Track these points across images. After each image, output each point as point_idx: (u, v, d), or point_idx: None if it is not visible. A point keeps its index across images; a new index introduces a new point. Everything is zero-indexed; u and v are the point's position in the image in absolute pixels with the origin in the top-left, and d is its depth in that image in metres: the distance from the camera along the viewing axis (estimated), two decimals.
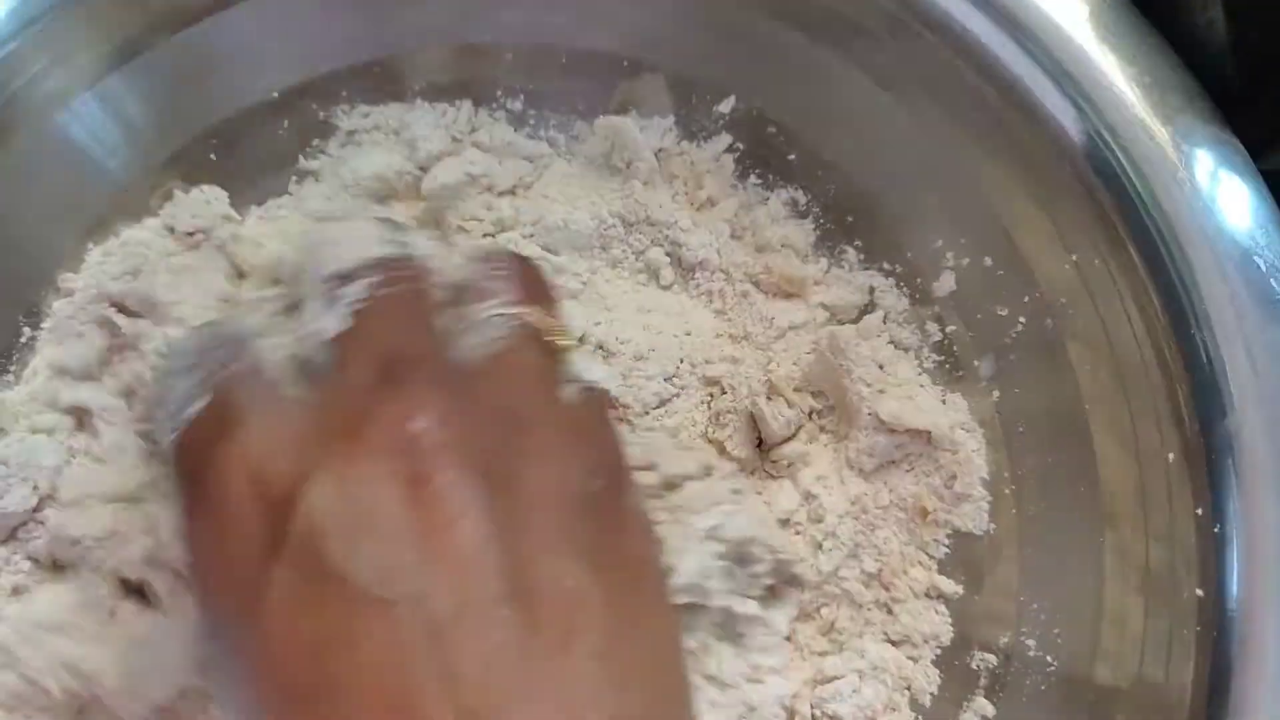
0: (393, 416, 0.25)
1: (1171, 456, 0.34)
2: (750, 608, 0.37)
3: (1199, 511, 0.34)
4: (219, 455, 0.26)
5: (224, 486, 0.26)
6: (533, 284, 0.32)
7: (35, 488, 0.38)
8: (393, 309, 0.28)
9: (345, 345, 0.27)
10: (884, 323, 0.43)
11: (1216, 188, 0.34)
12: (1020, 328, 0.40)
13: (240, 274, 0.41)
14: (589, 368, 0.31)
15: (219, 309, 0.39)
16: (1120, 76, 0.35)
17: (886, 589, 0.40)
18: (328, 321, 0.27)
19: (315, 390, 0.27)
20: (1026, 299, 0.39)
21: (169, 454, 0.28)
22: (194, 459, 0.27)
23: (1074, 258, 0.37)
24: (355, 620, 0.23)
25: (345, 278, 0.28)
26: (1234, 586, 0.33)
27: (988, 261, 0.40)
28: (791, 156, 0.44)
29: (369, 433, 0.25)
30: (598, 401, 0.30)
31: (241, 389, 0.28)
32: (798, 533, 0.40)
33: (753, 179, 0.45)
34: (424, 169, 0.43)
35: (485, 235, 0.43)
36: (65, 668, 0.35)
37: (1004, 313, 0.40)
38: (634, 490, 0.30)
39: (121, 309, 0.40)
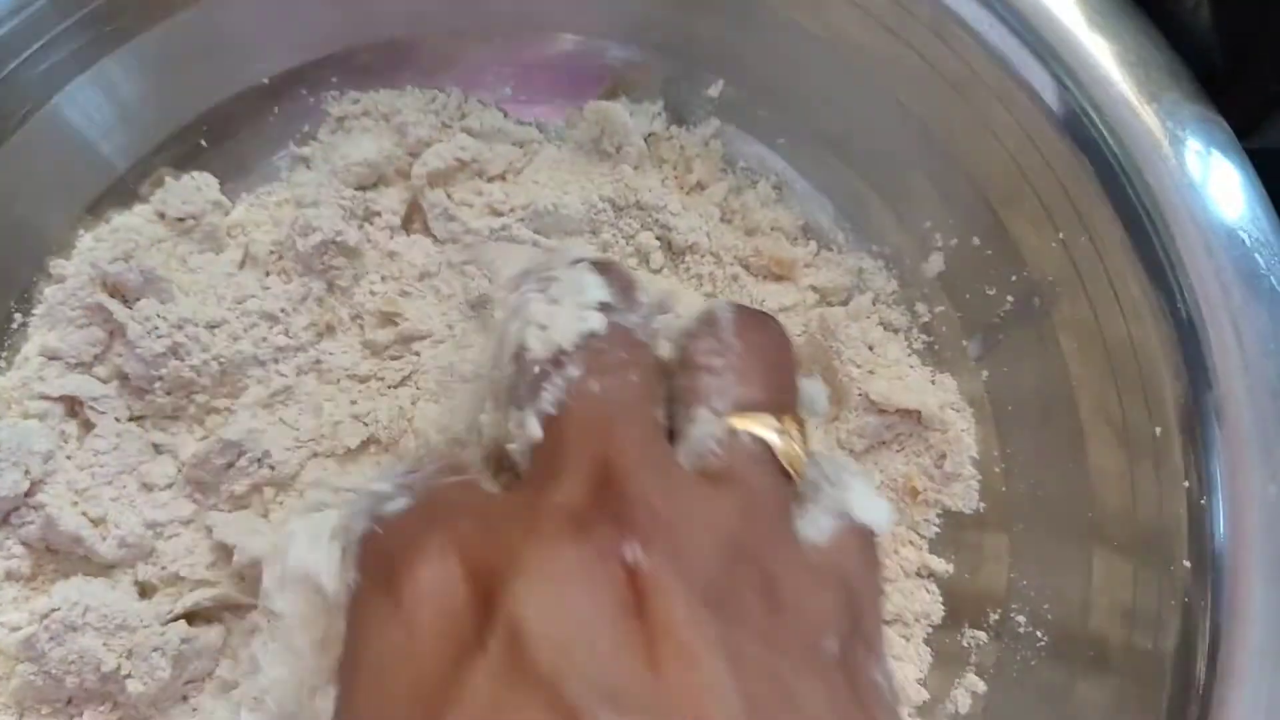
0: (606, 536, 0.22)
1: (1159, 430, 0.35)
2: None
3: (1186, 484, 0.34)
4: (413, 547, 0.24)
5: (417, 579, 0.23)
6: (770, 371, 0.28)
7: (27, 472, 0.38)
8: (604, 405, 0.25)
9: (550, 445, 0.25)
10: (873, 304, 0.43)
11: (1202, 165, 0.35)
12: (1008, 307, 0.40)
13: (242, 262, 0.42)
14: (867, 504, 0.27)
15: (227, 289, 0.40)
16: (1107, 55, 0.36)
17: None
18: (530, 426, 0.25)
19: (522, 488, 0.25)
20: (1014, 278, 0.39)
21: (356, 551, 0.26)
22: (384, 553, 0.25)
23: (1061, 236, 0.37)
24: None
25: (553, 362, 0.25)
26: (1221, 557, 0.33)
27: (975, 241, 0.41)
28: (781, 140, 0.44)
29: (582, 546, 0.22)
30: (859, 542, 0.26)
31: (443, 488, 0.26)
32: None
33: (742, 163, 0.45)
34: (414, 155, 0.44)
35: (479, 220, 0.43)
36: (89, 667, 0.35)
37: (992, 292, 0.40)
38: (881, 655, 0.26)
39: (114, 293, 0.40)
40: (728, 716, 0.21)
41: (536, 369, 0.26)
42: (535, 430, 0.25)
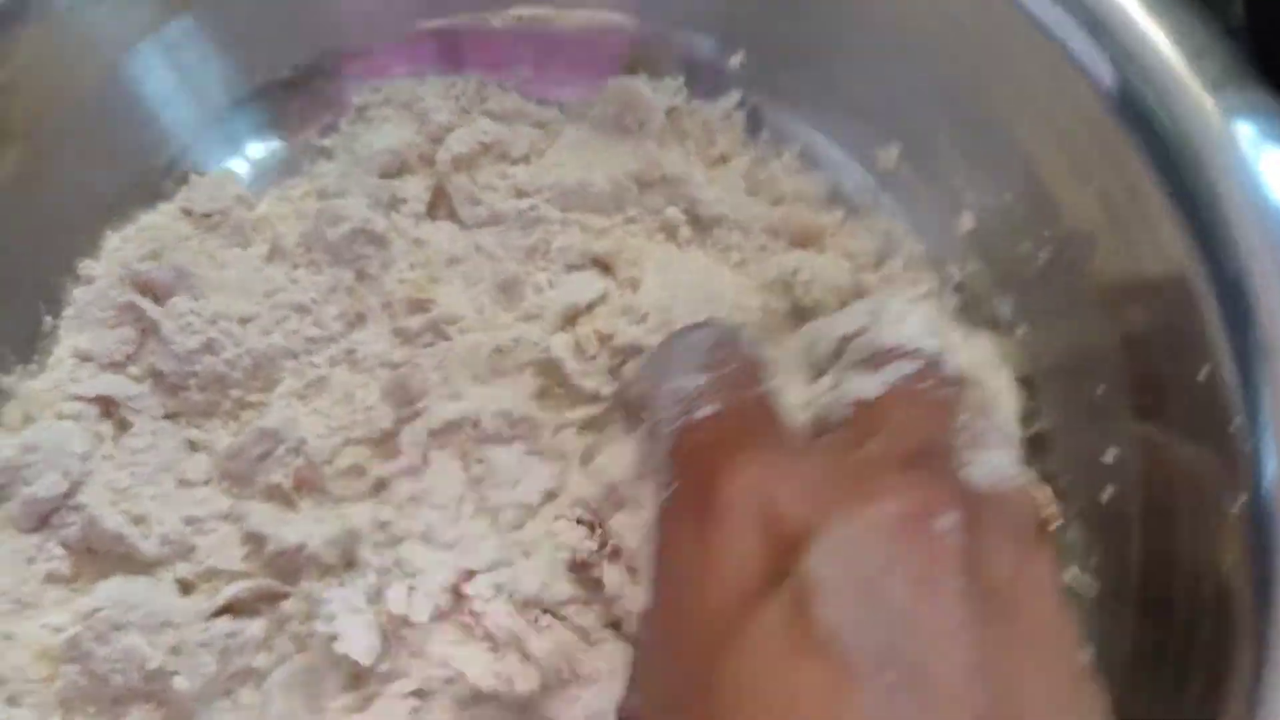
0: (919, 503, 0.24)
1: (1202, 374, 0.34)
2: None
3: (1233, 429, 0.33)
4: (731, 468, 0.26)
5: (732, 503, 0.25)
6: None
7: (65, 473, 0.38)
8: (926, 402, 0.27)
9: (875, 414, 0.27)
10: (904, 267, 0.42)
11: (1260, 153, 0.34)
12: (1043, 262, 0.40)
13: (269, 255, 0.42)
14: None
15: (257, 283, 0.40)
16: (1164, 42, 0.35)
17: None
18: (866, 386, 0.27)
19: (831, 447, 0.27)
20: (1048, 233, 0.39)
21: (666, 441, 0.28)
22: (701, 461, 0.27)
23: (1098, 186, 0.37)
24: (833, 689, 0.22)
25: (895, 355, 0.28)
26: (1271, 501, 0.32)
27: (1008, 197, 0.40)
28: (803, 107, 0.44)
29: (891, 509, 0.24)
30: None
31: (756, 414, 0.28)
32: None
33: (765, 133, 0.45)
34: (436, 141, 0.44)
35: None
36: (134, 665, 0.35)
37: (1026, 248, 0.40)
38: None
39: (145, 292, 0.40)
40: (987, 701, 0.22)
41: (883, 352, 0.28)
42: (872, 391, 0.27)
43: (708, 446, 0.27)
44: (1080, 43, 0.36)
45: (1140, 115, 0.35)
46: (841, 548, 0.23)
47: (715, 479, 0.26)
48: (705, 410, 0.28)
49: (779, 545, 0.24)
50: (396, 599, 0.35)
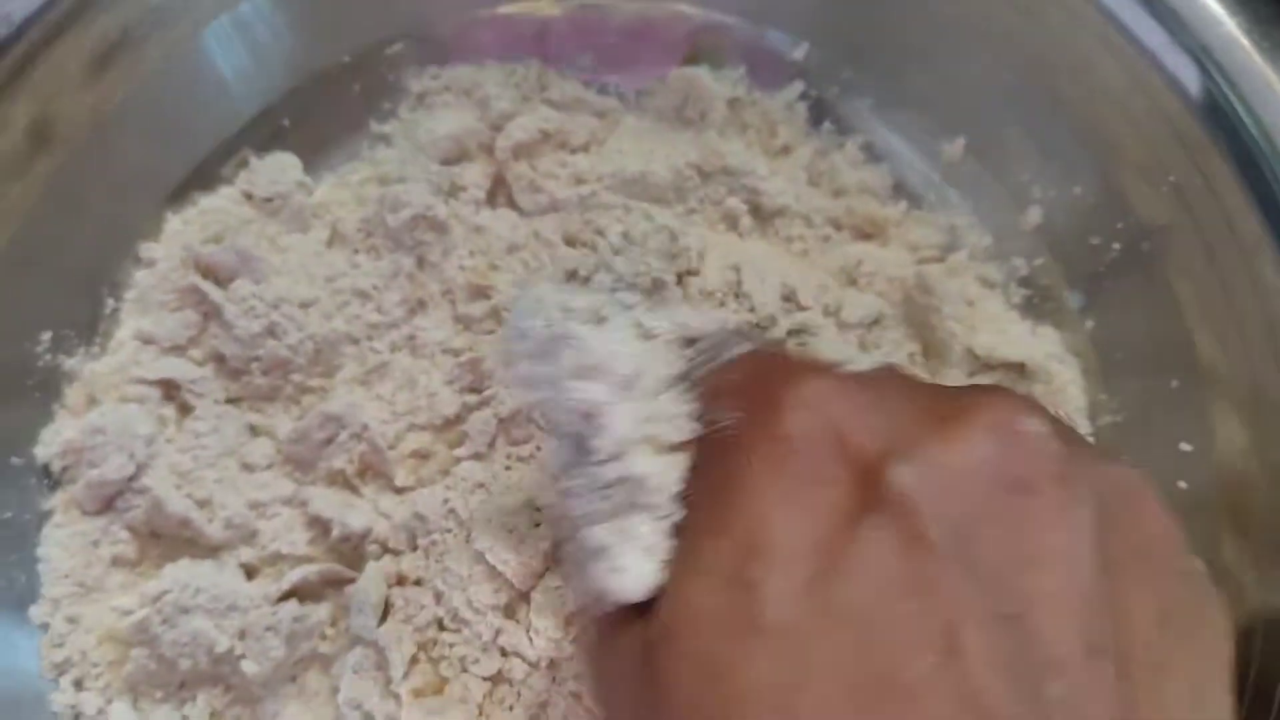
0: (1010, 409, 0.23)
1: None
2: None
3: None
4: (793, 396, 0.24)
5: (805, 429, 0.24)
6: None
7: (131, 456, 0.38)
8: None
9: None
10: (969, 260, 0.43)
11: None
12: (1114, 254, 0.40)
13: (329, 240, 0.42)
14: None
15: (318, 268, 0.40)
16: (1244, 38, 0.35)
17: None
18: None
19: (883, 377, 0.26)
20: (1120, 225, 0.39)
21: (699, 385, 0.27)
22: (755, 394, 0.25)
23: (1172, 179, 0.37)
24: (950, 622, 0.21)
25: None
26: None
27: (1077, 190, 0.40)
28: (868, 100, 0.44)
29: (984, 418, 0.23)
30: None
31: (790, 352, 0.28)
32: None
33: (827, 124, 0.45)
34: (496, 129, 0.43)
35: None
36: (202, 649, 0.35)
37: (1096, 241, 0.40)
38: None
39: (207, 275, 0.40)
40: (1089, 620, 0.22)
41: None
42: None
43: (759, 378, 0.26)
44: (1159, 39, 0.36)
45: (1221, 110, 0.35)
46: (940, 467, 0.22)
47: (779, 408, 0.24)
48: (740, 349, 0.27)
49: (856, 468, 0.23)
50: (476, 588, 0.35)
